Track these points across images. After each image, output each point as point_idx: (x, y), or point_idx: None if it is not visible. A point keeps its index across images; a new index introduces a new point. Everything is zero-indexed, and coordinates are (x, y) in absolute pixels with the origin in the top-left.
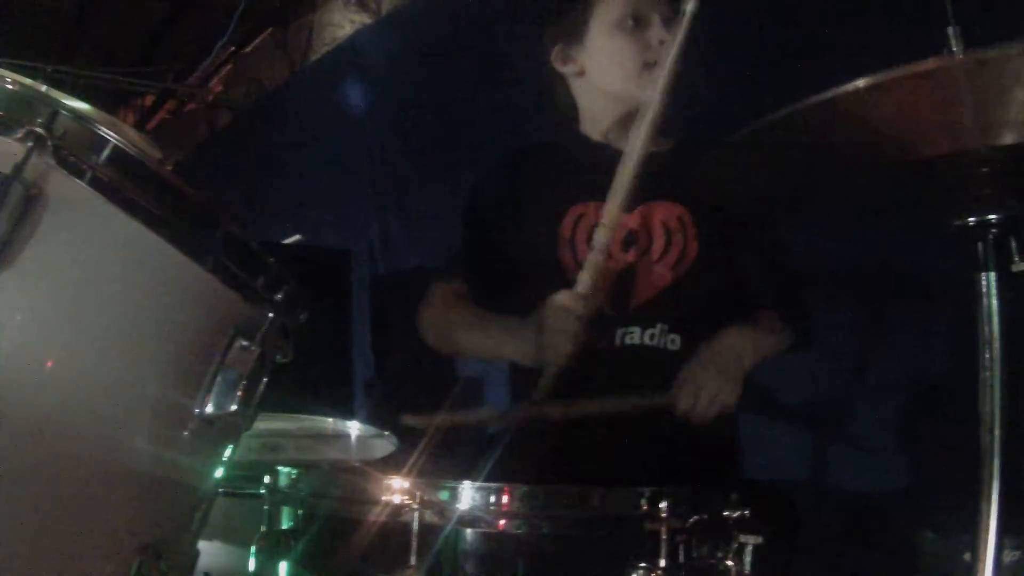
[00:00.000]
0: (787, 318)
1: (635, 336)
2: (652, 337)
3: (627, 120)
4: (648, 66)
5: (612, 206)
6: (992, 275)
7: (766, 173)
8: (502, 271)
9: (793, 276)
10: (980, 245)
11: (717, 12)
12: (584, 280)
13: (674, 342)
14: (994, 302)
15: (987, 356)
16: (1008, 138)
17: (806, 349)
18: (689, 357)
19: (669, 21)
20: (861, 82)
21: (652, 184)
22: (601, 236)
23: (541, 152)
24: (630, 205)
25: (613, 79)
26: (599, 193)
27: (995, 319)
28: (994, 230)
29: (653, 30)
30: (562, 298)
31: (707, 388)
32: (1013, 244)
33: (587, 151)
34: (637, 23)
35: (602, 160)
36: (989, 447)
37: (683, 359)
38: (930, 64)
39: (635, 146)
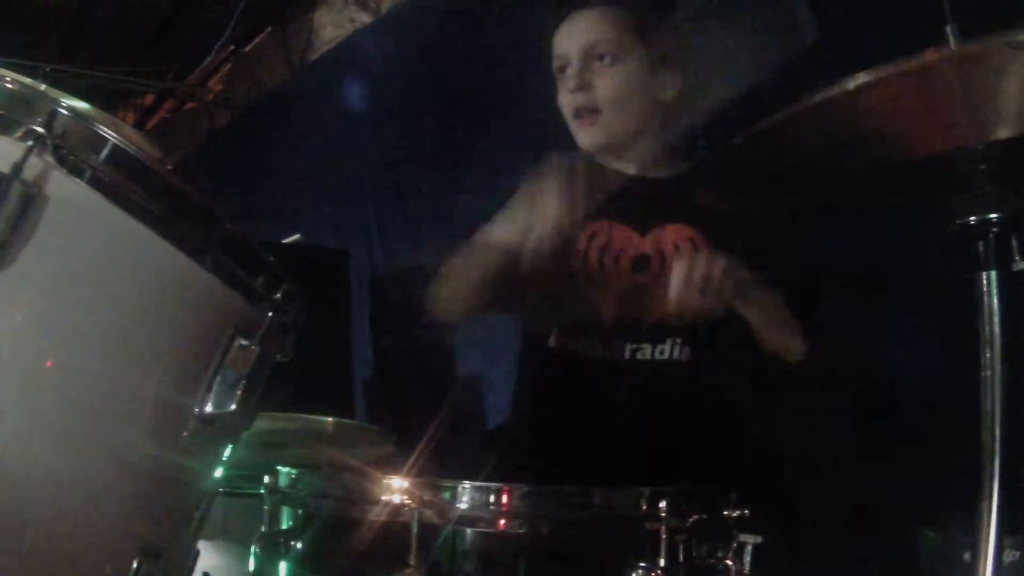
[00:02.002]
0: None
1: (646, 352)
2: (662, 352)
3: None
4: (577, 115)
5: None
6: (993, 274)
7: (764, 179)
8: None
9: (807, 298)
10: (981, 244)
11: (716, 13)
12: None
13: (685, 352)
14: (995, 301)
15: (988, 355)
16: (1003, 132)
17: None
18: (700, 365)
19: (588, 59)
20: (852, 82)
21: (664, 207)
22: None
23: (560, 166)
24: (644, 228)
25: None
26: (611, 212)
27: (996, 318)
28: (995, 229)
29: (568, 75)
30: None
31: (700, 262)
32: (1014, 243)
33: (599, 173)
34: (562, 71)
35: (613, 183)
36: (989, 447)
37: (694, 367)
38: (918, 61)
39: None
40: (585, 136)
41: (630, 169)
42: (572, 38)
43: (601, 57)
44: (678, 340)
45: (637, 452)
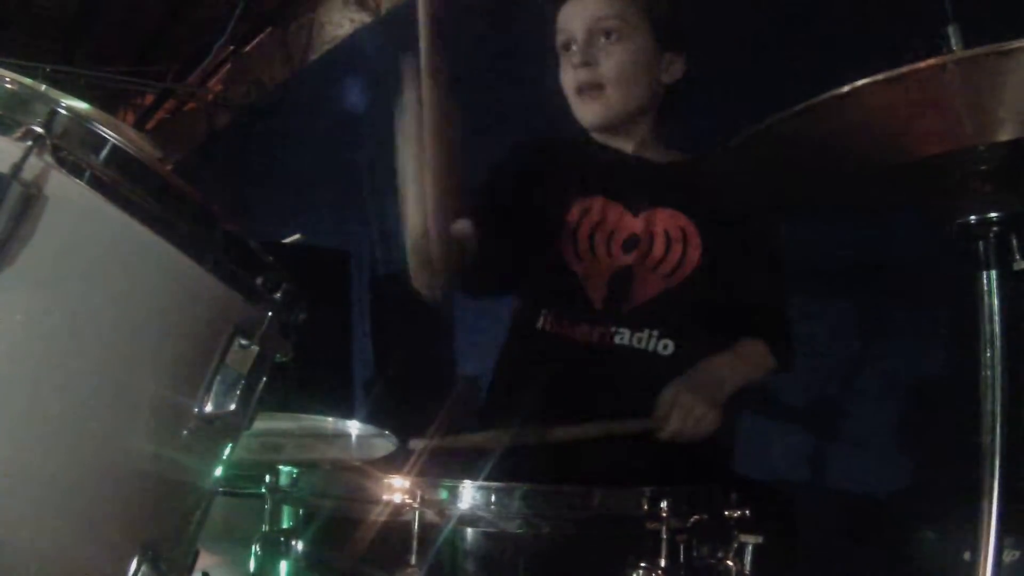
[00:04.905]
0: (773, 347)
1: (624, 337)
2: (640, 341)
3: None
4: (580, 91)
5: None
6: (993, 273)
7: (765, 178)
8: (503, 252)
9: (782, 306)
10: (981, 243)
11: (717, 14)
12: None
13: (666, 347)
14: (995, 301)
15: (988, 355)
16: (1005, 134)
17: (786, 371)
18: (681, 362)
19: (593, 35)
20: (855, 84)
21: (659, 191)
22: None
23: (554, 145)
24: (636, 208)
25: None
26: (605, 190)
27: (996, 318)
28: (995, 228)
29: (573, 51)
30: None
31: (689, 413)
32: (1014, 242)
33: (592, 148)
34: (566, 48)
35: (605, 160)
36: (990, 447)
37: (675, 364)
38: (921, 65)
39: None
40: (587, 112)
41: (628, 147)
42: (577, 14)
43: (607, 34)
44: (655, 332)
45: (631, 449)
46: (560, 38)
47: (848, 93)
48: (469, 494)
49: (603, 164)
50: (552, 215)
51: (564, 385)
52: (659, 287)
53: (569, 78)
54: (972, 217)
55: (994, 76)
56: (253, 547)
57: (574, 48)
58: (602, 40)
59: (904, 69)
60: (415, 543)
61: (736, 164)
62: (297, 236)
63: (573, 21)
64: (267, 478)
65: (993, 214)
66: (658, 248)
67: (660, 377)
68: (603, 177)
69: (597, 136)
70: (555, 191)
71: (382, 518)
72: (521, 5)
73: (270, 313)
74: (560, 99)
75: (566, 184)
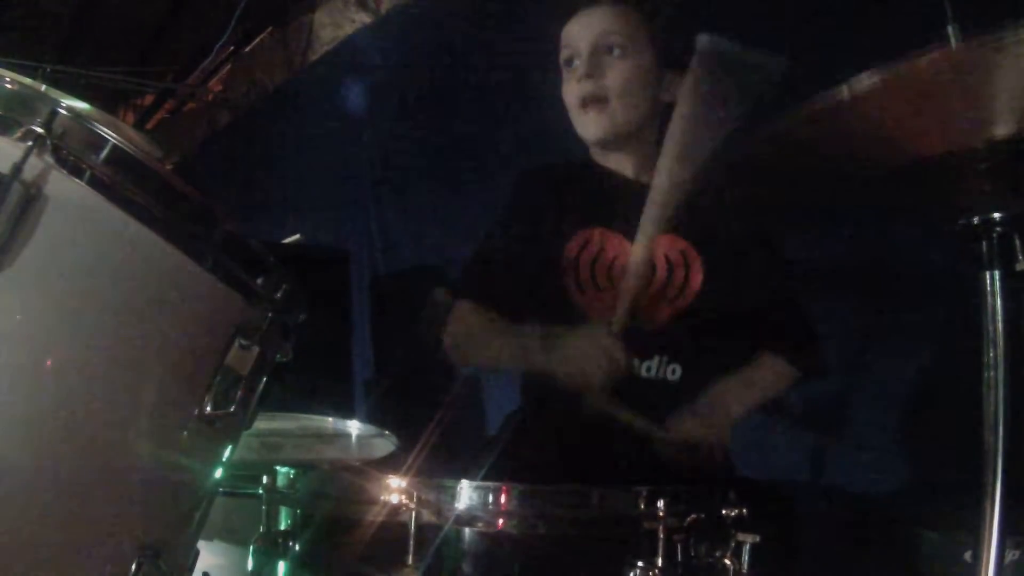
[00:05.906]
0: (794, 359)
1: (633, 367)
2: (649, 369)
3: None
4: (583, 104)
5: (638, 245)
6: (996, 274)
7: (765, 184)
8: (508, 289)
9: (800, 311)
10: (984, 244)
11: (715, 14)
12: (619, 319)
13: (674, 372)
14: (998, 301)
15: (990, 355)
16: (1002, 130)
17: (819, 378)
18: (688, 386)
19: (598, 50)
20: (851, 87)
21: None
22: (630, 276)
23: (552, 175)
24: (634, 237)
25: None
26: (604, 219)
27: (999, 318)
28: (998, 228)
29: (576, 65)
30: (600, 339)
31: (696, 449)
32: (1017, 243)
33: (594, 177)
34: (569, 63)
35: (604, 187)
36: (991, 447)
37: (682, 388)
38: (917, 62)
39: (659, 181)
40: (590, 125)
41: (626, 169)
42: (583, 29)
43: (611, 49)
44: (664, 358)
45: (629, 448)
46: (564, 53)
47: (853, 94)
48: (466, 494)
49: (602, 192)
50: (552, 248)
51: (572, 419)
52: (666, 313)
53: (572, 91)
54: (975, 218)
55: (988, 70)
56: (251, 547)
57: (577, 62)
58: (606, 56)
59: (898, 68)
60: (412, 543)
61: (736, 172)
62: (297, 236)
63: (579, 36)
64: (264, 479)
65: (996, 214)
66: (660, 274)
67: (668, 403)
68: (602, 206)
69: (597, 155)
70: (554, 224)
71: (379, 518)
72: (522, 23)
73: (270, 314)
74: (560, 120)
75: (565, 216)
